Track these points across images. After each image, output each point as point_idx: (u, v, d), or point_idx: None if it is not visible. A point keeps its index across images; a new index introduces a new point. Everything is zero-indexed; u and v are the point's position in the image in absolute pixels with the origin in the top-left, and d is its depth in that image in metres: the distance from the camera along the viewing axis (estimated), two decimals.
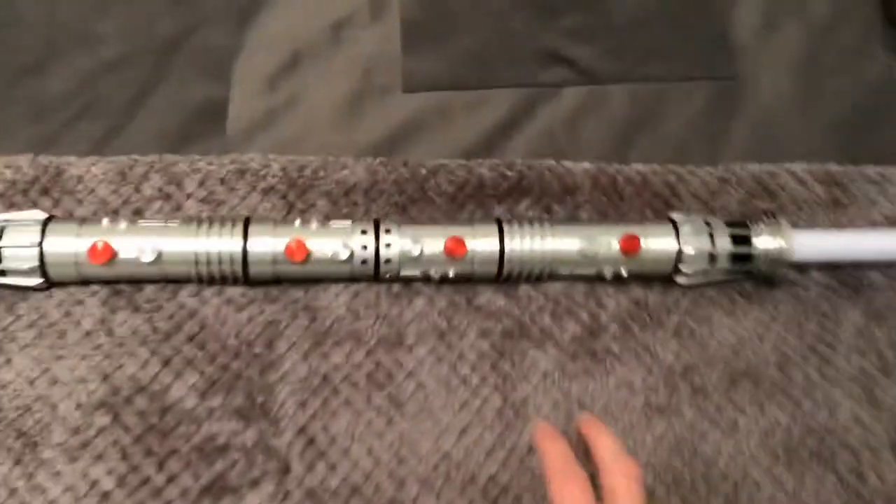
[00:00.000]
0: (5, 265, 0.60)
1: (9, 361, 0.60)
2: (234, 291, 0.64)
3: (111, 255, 0.60)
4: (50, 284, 0.62)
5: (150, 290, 0.64)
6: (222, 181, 0.68)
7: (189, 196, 0.67)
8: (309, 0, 0.78)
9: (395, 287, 0.65)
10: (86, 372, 0.60)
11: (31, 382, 0.60)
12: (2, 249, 0.59)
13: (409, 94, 0.75)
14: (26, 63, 0.74)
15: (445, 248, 0.63)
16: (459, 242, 0.62)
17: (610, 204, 0.70)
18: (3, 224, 0.60)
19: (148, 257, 0.60)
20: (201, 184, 0.68)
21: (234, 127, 0.72)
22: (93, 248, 0.60)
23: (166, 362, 0.61)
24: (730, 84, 0.78)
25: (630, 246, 0.64)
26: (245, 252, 0.61)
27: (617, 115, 0.76)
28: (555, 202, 0.70)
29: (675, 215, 0.67)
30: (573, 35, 0.79)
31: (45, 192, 0.66)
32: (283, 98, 0.74)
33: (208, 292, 0.64)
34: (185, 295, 0.64)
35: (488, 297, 0.66)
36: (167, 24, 0.76)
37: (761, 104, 0.77)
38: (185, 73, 0.74)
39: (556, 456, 0.54)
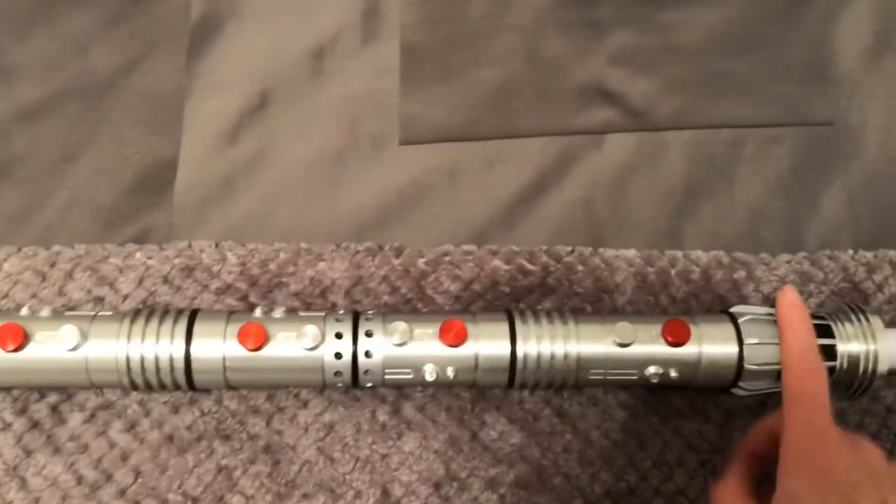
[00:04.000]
0: None
1: None
2: (177, 422, 0.51)
3: (22, 340, 0.47)
4: None
5: (74, 421, 0.51)
6: (165, 279, 0.54)
7: (126, 298, 0.53)
8: (282, 17, 0.61)
9: (381, 415, 0.52)
10: None
11: None
12: None
13: (408, 147, 0.59)
14: None
15: (441, 333, 0.48)
16: (459, 329, 0.48)
17: (657, 307, 0.55)
18: None
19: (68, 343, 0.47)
20: (140, 283, 0.54)
21: (182, 198, 0.57)
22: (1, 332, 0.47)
23: None
24: (826, 132, 0.60)
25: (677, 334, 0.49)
26: (189, 338, 0.48)
27: (675, 174, 0.59)
28: (587, 303, 0.55)
29: (737, 309, 0.52)
30: (622, 61, 0.61)
31: None
32: (246, 155, 0.58)
33: (146, 424, 0.51)
34: (118, 429, 0.51)
35: (499, 429, 0.52)
36: (101, 53, 0.59)
37: (867, 160, 0.59)
38: (123, 122, 0.58)
39: (797, 336, 0.46)
